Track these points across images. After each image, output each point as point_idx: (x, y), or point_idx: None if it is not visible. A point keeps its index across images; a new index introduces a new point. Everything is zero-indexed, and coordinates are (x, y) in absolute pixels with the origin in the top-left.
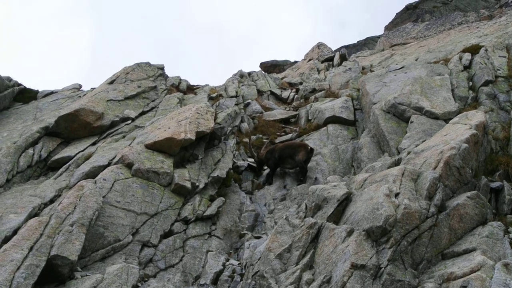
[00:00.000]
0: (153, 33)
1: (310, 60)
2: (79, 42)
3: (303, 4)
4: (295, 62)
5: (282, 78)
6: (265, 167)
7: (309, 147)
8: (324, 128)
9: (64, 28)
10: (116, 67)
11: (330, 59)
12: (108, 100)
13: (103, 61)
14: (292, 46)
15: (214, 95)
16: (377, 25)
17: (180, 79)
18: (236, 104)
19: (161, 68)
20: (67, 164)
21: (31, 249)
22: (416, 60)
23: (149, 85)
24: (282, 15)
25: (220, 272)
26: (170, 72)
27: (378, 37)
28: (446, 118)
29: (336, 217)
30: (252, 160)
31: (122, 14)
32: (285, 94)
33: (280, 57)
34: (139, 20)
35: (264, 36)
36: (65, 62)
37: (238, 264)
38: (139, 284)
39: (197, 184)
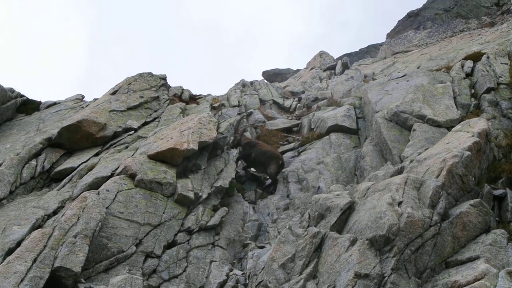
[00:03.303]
0: (149, 33)
1: (312, 68)
2: (74, 43)
3: (300, 2)
4: (298, 70)
5: (284, 87)
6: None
7: (280, 161)
8: (327, 137)
9: (58, 29)
10: (112, 69)
11: (332, 67)
12: (110, 111)
13: (99, 62)
14: (289, 45)
15: (216, 104)
16: (377, 28)
17: (183, 89)
18: (239, 114)
19: (164, 78)
20: (70, 175)
21: (34, 261)
22: (418, 68)
23: (152, 95)
24: (280, 13)
25: (224, 282)
26: (170, 76)
27: (380, 44)
28: (449, 126)
29: (339, 226)
30: (254, 170)
31: (118, 12)
32: (287, 103)
33: (280, 60)
34: (134, 21)
35: (261, 36)
36: (61, 64)
37: (242, 274)
38: None
39: (200, 194)
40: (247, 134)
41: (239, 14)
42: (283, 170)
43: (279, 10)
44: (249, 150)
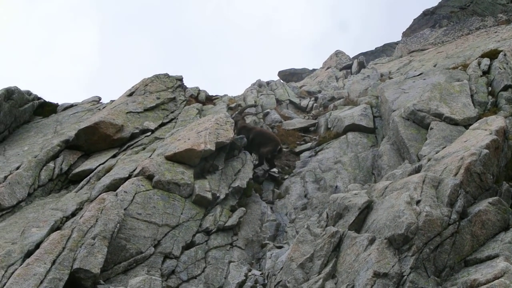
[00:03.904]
0: (160, 32)
1: (328, 68)
2: (85, 42)
3: (310, 2)
4: (314, 70)
5: (300, 87)
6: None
7: (279, 147)
8: (344, 136)
9: (68, 29)
10: (123, 70)
11: (348, 66)
12: (127, 112)
13: (110, 60)
14: (302, 44)
15: (233, 105)
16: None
17: (199, 90)
18: (255, 114)
19: (180, 79)
20: (88, 177)
21: (53, 262)
22: (435, 66)
23: (168, 97)
24: (290, 12)
25: (243, 282)
26: (186, 78)
27: (396, 43)
28: (466, 124)
29: (358, 225)
30: (273, 170)
31: (126, 13)
32: (304, 102)
33: (294, 60)
34: (143, 20)
35: (274, 34)
36: (72, 63)
37: (260, 274)
38: None
39: (217, 194)
40: None
41: (251, 13)
42: (300, 170)
43: (290, 9)
44: (247, 133)
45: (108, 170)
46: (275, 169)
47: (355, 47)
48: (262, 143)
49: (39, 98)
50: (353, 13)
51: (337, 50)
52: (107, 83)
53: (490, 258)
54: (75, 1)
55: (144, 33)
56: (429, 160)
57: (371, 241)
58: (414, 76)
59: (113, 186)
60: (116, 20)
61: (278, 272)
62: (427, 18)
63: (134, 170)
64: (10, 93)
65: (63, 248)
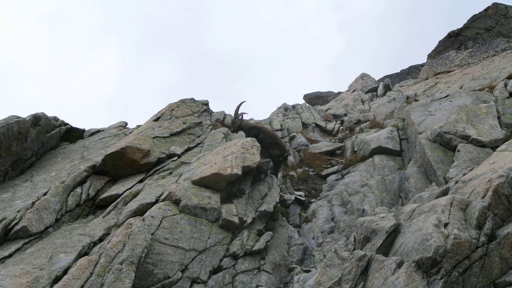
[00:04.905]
0: (182, 56)
1: (354, 91)
2: (108, 63)
3: (329, 16)
4: (339, 93)
5: (326, 110)
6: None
7: (285, 153)
8: (370, 159)
9: (91, 48)
10: (145, 89)
11: (374, 89)
12: (154, 137)
13: (132, 80)
14: (324, 65)
15: None
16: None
17: (225, 114)
18: (282, 138)
19: (206, 103)
20: (115, 202)
21: None
22: (461, 88)
23: (194, 121)
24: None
25: None
26: (210, 100)
27: (421, 65)
28: (493, 145)
29: (385, 248)
30: (300, 193)
31: (146, 34)
32: (330, 126)
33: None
34: (166, 40)
35: (296, 56)
36: (96, 83)
37: None
38: None
39: (244, 219)
40: (291, 158)
41: (272, 34)
42: (327, 193)
43: (312, 29)
44: (257, 131)
45: (135, 195)
46: (301, 193)
47: (381, 69)
48: (271, 145)
49: (66, 124)
50: (378, 35)
51: (362, 73)
52: (129, 102)
53: None
54: (97, 23)
55: (167, 53)
56: (456, 182)
57: (399, 265)
58: (440, 98)
59: (140, 211)
60: (139, 40)
61: None
62: (452, 40)
63: (161, 195)
64: (37, 119)
65: (91, 273)
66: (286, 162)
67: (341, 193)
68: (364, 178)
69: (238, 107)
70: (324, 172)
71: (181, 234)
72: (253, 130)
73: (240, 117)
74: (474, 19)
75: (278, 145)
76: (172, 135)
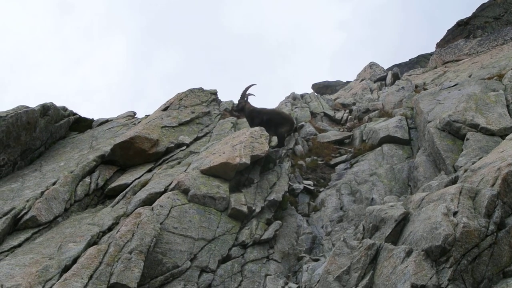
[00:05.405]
0: (192, 44)
1: (362, 80)
2: (115, 53)
3: (337, 7)
4: (347, 82)
5: (335, 99)
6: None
7: (295, 125)
8: (379, 148)
9: (100, 38)
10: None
11: (383, 78)
12: (162, 127)
13: (140, 70)
14: (332, 54)
15: None
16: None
17: (233, 104)
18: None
19: (214, 93)
20: (124, 192)
21: (91, 277)
22: (470, 76)
23: (203, 111)
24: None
25: None
26: (219, 90)
27: (430, 54)
28: (502, 134)
29: (394, 237)
30: (308, 182)
31: (157, 24)
32: (338, 115)
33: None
34: (174, 31)
35: (304, 45)
36: (104, 73)
37: (297, 287)
38: None
39: (253, 208)
40: (299, 147)
41: (281, 23)
42: (335, 182)
43: (319, 18)
44: (260, 116)
45: (144, 184)
46: (310, 182)
47: (390, 58)
48: (280, 123)
49: (75, 114)
50: (388, 24)
51: (371, 62)
52: (137, 91)
53: None
54: (107, 11)
55: (175, 41)
56: (465, 171)
57: (408, 253)
58: (449, 87)
59: (149, 201)
60: (147, 31)
61: (315, 285)
62: (461, 29)
63: (169, 184)
64: (46, 109)
65: (100, 263)
66: (294, 152)
67: (350, 182)
68: (373, 167)
69: (246, 89)
70: (332, 161)
71: (190, 223)
72: (254, 113)
73: (246, 98)
74: (483, 7)
75: (286, 121)
76: (181, 124)
